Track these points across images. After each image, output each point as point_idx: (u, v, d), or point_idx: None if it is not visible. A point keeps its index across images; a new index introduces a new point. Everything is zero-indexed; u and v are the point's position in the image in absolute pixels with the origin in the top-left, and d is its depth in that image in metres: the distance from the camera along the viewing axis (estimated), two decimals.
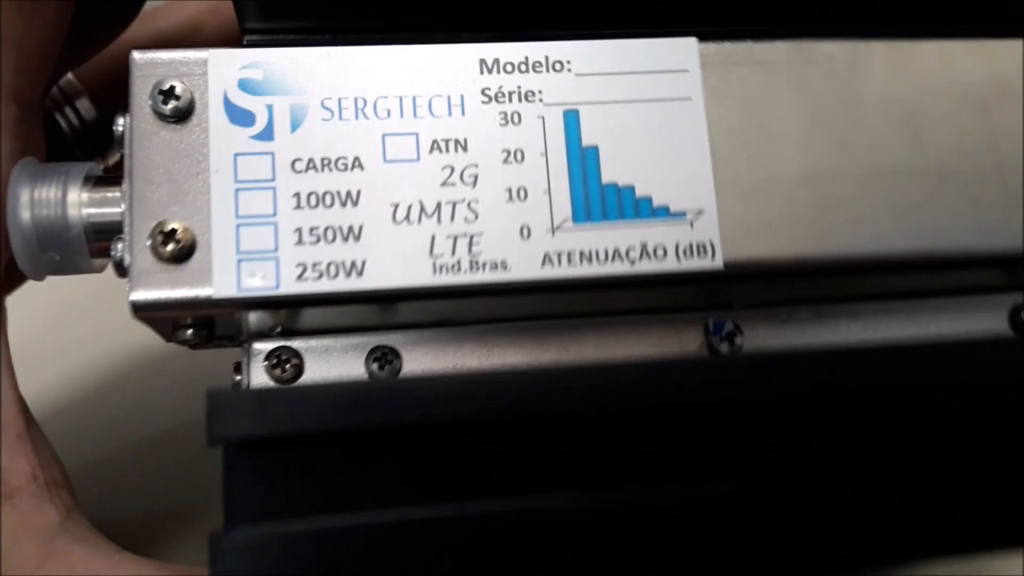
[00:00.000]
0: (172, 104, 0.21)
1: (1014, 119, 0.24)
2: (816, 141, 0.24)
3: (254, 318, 0.22)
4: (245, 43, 0.23)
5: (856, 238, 0.23)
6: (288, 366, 0.23)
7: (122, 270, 0.21)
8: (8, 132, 0.21)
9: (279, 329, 0.23)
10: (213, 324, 0.23)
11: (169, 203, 0.21)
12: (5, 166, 0.22)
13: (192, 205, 0.21)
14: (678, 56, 0.23)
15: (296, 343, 0.23)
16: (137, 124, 0.21)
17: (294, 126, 0.22)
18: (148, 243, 0.21)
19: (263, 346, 0.23)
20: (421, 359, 0.23)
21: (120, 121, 0.22)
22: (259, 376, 0.23)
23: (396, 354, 0.23)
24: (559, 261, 0.22)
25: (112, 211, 0.22)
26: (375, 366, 0.23)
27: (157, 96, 0.21)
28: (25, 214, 0.22)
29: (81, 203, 0.22)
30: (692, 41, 0.24)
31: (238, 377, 0.23)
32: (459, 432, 0.19)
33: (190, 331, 0.22)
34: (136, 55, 0.22)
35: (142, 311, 0.21)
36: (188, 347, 0.23)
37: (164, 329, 0.23)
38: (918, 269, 0.24)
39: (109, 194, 0.22)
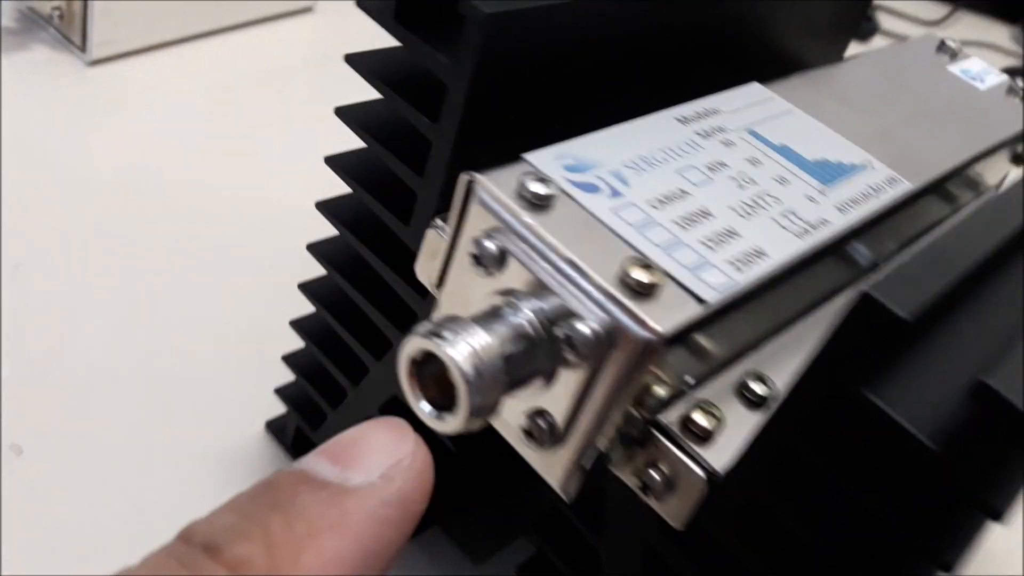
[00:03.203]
0: (539, 193, 0.22)
1: None
2: (861, 114, 0.31)
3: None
4: None
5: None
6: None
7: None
8: None
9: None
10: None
11: (603, 259, 0.21)
12: None
13: (618, 251, 0.21)
14: (757, 93, 0.30)
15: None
16: (517, 218, 0.21)
17: (623, 182, 0.23)
18: (622, 288, 0.20)
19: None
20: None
21: (490, 244, 0.21)
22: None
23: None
24: (846, 208, 0.26)
25: None
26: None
27: (526, 192, 0.22)
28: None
29: None
30: (756, 85, 0.30)
31: None
32: None
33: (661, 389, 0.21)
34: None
35: (671, 341, 0.20)
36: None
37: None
38: None
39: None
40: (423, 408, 0.21)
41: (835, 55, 0.41)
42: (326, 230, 0.32)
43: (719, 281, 0.21)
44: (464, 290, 0.23)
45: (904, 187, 0.28)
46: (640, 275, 0.20)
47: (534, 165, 0.23)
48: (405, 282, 0.29)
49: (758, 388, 0.24)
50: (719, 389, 0.24)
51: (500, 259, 0.21)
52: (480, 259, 0.22)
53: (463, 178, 0.22)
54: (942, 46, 0.40)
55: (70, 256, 0.46)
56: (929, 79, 0.37)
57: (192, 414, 0.39)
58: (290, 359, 0.36)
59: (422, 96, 0.26)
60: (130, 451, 0.37)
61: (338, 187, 0.30)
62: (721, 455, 0.22)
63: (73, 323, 0.42)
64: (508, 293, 0.21)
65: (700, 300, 0.21)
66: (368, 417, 0.33)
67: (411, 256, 0.29)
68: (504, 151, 0.25)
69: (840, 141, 0.29)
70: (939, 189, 0.30)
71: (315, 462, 0.17)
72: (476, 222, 0.22)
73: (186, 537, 0.15)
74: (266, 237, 0.49)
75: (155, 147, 0.54)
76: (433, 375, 0.21)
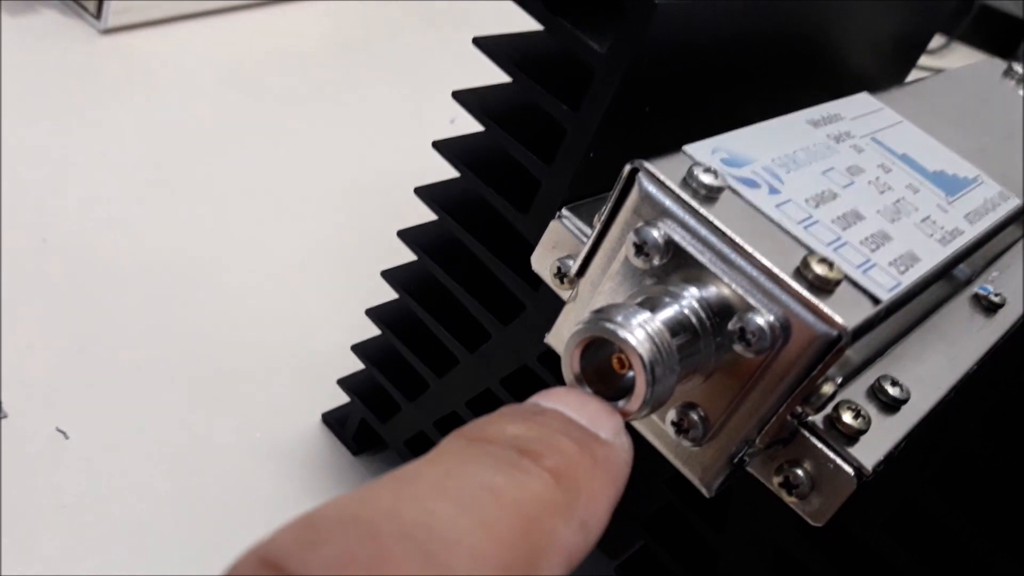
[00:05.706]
0: (710, 184, 0.21)
1: None
2: (958, 130, 0.32)
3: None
4: None
5: None
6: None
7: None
8: None
9: None
10: None
11: (777, 252, 0.21)
12: None
13: (788, 246, 0.21)
14: (869, 103, 0.30)
15: None
16: (689, 209, 0.21)
17: (778, 179, 0.23)
18: (802, 282, 0.20)
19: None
20: None
21: (655, 233, 0.21)
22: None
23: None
24: (973, 219, 0.26)
25: None
26: None
27: (694, 183, 0.21)
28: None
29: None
30: (865, 95, 0.31)
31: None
32: None
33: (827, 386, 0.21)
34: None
35: (855, 334, 0.20)
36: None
37: None
38: None
39: None
40: None
41: (899, 78, 0.41)
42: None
43: (887, 282, 0.21)
44: (611, 281, 0.23)
45: (1014, 203, 0.28)
46: (822, 270, 0.20)
47: (694, 157, 0.23)
48: (515, 273, 0.28)
49: (894, 391, 0.24)
50: (851, 392, 0.24)
51: (665, 249, 0.21)
52: (642, 248, 0.21)
53: (627, 166, 0.22)
54: (1008, 71, 0.41)
55: (95, 232, 0.44)
56: (1004, 102, 0.38)
57: (244, 404, 0.38)
58: (360, 349, 0.35)
59: (552, 83, 0.26)
60: (178, 440, 0.36)
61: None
62: (868, 454, 0.22)
63: (112, 304, 0.41)
64: (666, 283, 0.21)
65: (875, 299, 0.21)
66: (453, 412, 0.33)
67: (514, 248, 0.29)
68: (635, 144, 0.25)
69: (950, 155, 0.29)
70: None
71: (563, 408, 0.16)
72: (635, 211, 0.22)
73: (479, 437, 0.15)
74: (283, 223, 0.49)
75: (168, 123, 0.53)
76: (593, 366, 0.20)
